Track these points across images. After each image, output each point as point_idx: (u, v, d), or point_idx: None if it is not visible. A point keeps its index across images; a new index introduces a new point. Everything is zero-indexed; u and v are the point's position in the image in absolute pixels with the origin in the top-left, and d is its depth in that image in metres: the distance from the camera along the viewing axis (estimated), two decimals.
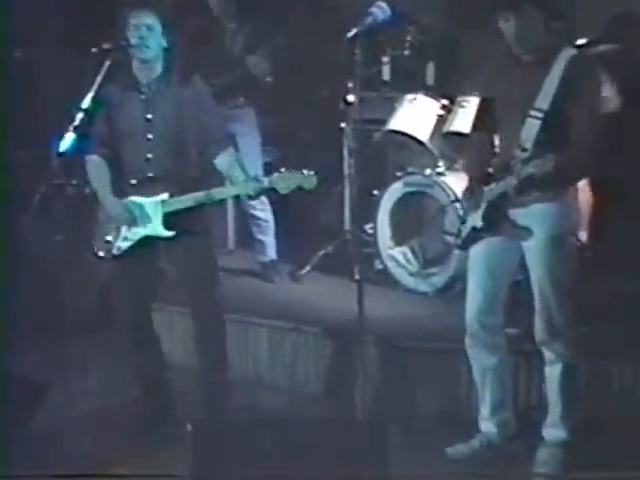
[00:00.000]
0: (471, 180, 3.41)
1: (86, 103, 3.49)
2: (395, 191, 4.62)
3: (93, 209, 3.83)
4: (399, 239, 4.59)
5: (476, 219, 3.30)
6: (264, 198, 4.78)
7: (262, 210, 4.90)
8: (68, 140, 3.48)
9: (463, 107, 4.34)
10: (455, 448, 3.50)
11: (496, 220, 3.27)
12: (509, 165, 3.19)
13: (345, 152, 5.06)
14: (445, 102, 4.51)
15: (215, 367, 3.79)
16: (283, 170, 3.53)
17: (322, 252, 4.95)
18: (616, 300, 4.13)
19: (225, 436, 3.12)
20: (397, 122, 4.58)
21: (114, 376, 4.14)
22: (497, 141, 3.37)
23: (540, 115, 3.12)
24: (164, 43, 3.62)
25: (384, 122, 4.68)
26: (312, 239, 5.11)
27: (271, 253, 5.00)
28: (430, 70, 5.02)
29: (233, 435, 3.11)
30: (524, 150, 3.16)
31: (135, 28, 3.55)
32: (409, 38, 4.91)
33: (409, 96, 4.59)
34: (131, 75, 3.65)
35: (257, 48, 4.77)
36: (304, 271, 4.92)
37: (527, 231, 3.25)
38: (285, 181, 3.51)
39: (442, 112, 4.51)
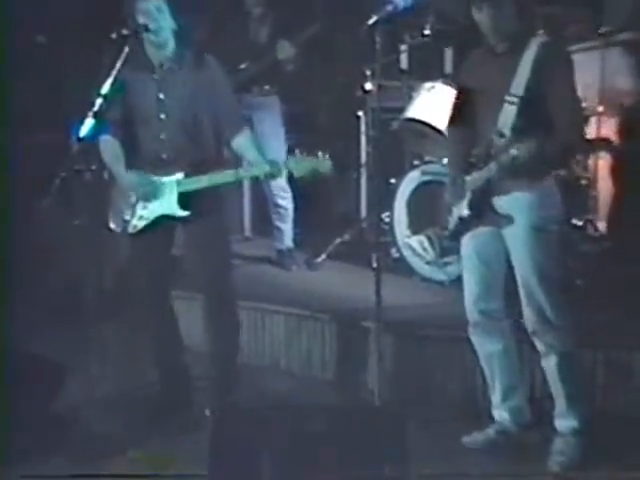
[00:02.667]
0: (454, 170, 3.42)
1: (105, 89, 3.51)
2: (412, 180, 4.61)
3: (110, 193, 3.85)
4: (416, 228, 4.58)
5: (462, 209, 3.30)
6: (286, 186, 4.80)
7: (283, 198, 4.91)
8: (88, 125, 3.50)
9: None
10: (471, 437, 3.51)
11: (481, 209, 3.28)
12: (489, 153, 3.21)
13: (363, 140, 5.07)
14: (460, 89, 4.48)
15: (228, 352, 3.80)
16: (297, 153, 3.53)
17: (339, 240, 4.96)
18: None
19: (241, 422, 3.14)
20: (415, 110, 4.56)
21: (132, 358, 4.16)
22: (477, 130, 3.35)
23: (515, 101, 3.15)
24: (174, 24, 3.60)
25: (402, 110, 4.66)
26: (329, 227, 5.12)
27: (288, 241, 5.01)
28: (448, 58, 5.01)
29: (249, 421, 3.13)
30: (502, 136, 3.18)
31: (144, 11, 3.53)
32: (428, 26, 4.88)
33: (427, 84, 4.57)
34: (144, 56, 3.65)
35: (284, 35, 4.74)
36: (320, 259, 4.93)
37: (509, 219, 3.25)
38: (299, 164, 3.51)
39: (459, 100, 4.48)
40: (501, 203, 3.27)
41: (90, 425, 3.49)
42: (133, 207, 3.66)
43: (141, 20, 3.53)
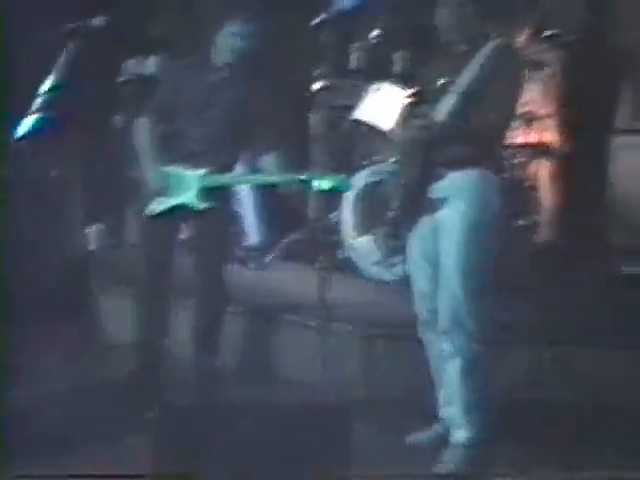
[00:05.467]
0: (395, 169, 3.46)
1: (46, 86, 3.46)
2: (359, 180, 4.63)
3: (57, 192, 3.82)
4: (362, 228, 4.60)
5: (399, 203, 3.31)
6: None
7: (246, 194, 4.91)
8: (28, 123, 3.45)
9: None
10: (414, 436, 3.52)
11: (417, 199, 3.29)
12: None
13: (311, 139, 5.07)
14: (413, 90, 4.51)
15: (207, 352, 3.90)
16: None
17: (286, 240, 4.96)
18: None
19: (184, 421, 3.13)
20: (361, 111, 4.58)
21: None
22: None
23: (458, 90, 3.18)
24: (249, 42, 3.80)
25: (351, 110, 4.68)
26: (279, 227, 5.11)
27: (253, 238, 5.01)
28: (398, 58, 5.03)
29: (192, 420, 3.12)
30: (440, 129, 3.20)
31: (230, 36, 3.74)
32: (378, 26, 4.91)
33: (374, 85, 4.60)
34: (206, 55, 3.80)
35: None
36: (268, 259, 4.92)
37: (441, 201, 3.27)
38: (322, 182, 3.68)
39: (408, 101, 4.51)
40: (435, 189, 3.28)
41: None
42: (151, 196, 3.80)
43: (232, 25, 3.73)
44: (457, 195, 3.26)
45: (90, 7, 3.67)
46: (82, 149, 4.40)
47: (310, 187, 3.71)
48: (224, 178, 3.78)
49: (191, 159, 3.77)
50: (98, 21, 3.61)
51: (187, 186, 3.76)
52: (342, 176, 3.70)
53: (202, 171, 3.75)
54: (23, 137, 3.53)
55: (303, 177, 3.72)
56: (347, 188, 3.78)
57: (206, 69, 3.82)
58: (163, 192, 3.77)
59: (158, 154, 3.78)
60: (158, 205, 3.78)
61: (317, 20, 3.61)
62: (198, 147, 3.78)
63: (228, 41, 3.76)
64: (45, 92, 3.54)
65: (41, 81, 3.52)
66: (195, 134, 3.78)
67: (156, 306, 3.87)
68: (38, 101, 3.48)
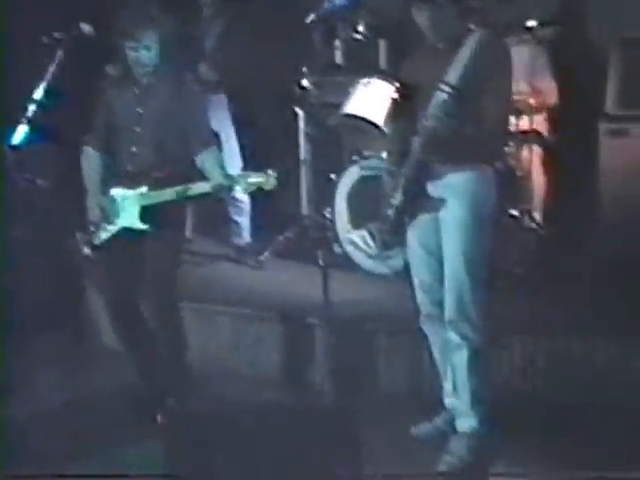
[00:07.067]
0: (392, 163, 3.46)
1: (38, 94, 3.46)
2: (352, 175, 4.65)
3: (45, 202, 3.81)
4: (357, 222, 4.61)
5: (397, 199, 3.32)
6: None
7: (239, 191, 4.90)
8: (21, 132, 3.44)
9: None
10: (419, 427, 3.55)
11: (416, 195, 3.29)
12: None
13: (301, 137, 5.08)
14: (403, 86, 4.54)
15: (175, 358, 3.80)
16: (247, 171, 3.58)
17: (281, 238, 4.97)
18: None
19: (193, 425, 3.14)
20: (352, 106, 4.57)
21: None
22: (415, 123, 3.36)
23: (447, 89, 3.18)
24: (158, 41, 3.64)
25: (339, 106, 4.68)
26: (273, 224, 5.12)
27: (247, 235, 5.02)
28: (384, 54, 5.05)
29: (201, 424, 3.13)
30: (429, 119, 3.19)
31: (131, 49, 3.58)
32: (362, 22, 4.92)
33: (364, 80, 4.59)
34: (126, 67, 3.68)
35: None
36: (263, 257, 4.93)
37: (442, 202, 3.29)
38: (247, 181, 3.58)
39: (396, 95, 4.53)
40: (435, 187, 3.30)
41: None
42: (98, 223, 3.71)
43: (128, 40, 3.57)
44: (455, 192, 3.28)
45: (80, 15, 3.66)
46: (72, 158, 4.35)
47: (245, 187, 3.63)
48: (163, 194, 3.63)
49: (130, 178, 3.68)
50: (87, 29, 3.60)
51: (129, 207, 3.66)
52: (271, 174, 3.58)
53: (142, 190, 3.65)
54: (16, 146, 3.53)
55: (229, 181, 3.61)
56: (272, 185, 3.59)
57: (126, 84, 3.71)
58: (107, 218, 3.69)
59: (100, 179, 3.72)
60: (104, 232, 3.71)
61: (312, 17, 3.60)
62: (136, 165, 3.68)
63: (134, 54, 3.61)
64: (37, 100, 3.53)
65: (32, 89, 3.52)
66: (132, 151, 3.69)
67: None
68: (30, 110, 3.47)
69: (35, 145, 3.69)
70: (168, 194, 3.63)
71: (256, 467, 3.02)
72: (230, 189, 3.67)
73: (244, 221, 5.02)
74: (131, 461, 3.32)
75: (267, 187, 3.58)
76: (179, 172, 3.70)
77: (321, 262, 3.68)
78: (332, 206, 4.68)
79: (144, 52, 3.61)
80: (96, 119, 3.73)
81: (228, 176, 3.66)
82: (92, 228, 3.71)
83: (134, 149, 3.68)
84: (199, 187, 3.68)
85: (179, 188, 3.62)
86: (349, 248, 4.60)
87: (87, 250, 3.74)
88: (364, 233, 4.57)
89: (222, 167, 3.71)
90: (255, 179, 3.57)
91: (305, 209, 5.11)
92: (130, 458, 3.36)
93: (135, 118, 3.67)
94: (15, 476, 3.17)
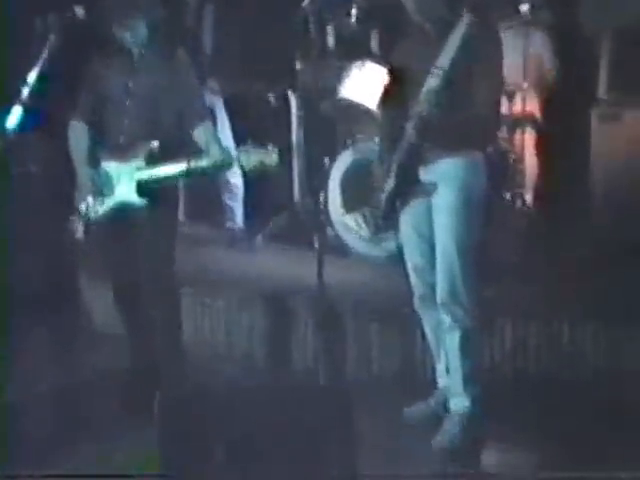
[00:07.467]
0: (385, 147, 3.46)
1: (32, 77, 3.44)
2: (344, 159, 4.66)
3: (39, 187, 3.80)
4: (350, 206, 4.63)
5: (390, 184, 3.33)
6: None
7: (234, 176, 4.90)
8: (15, 116, 3.43)
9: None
10: (412, 408, 3.57)
11: (408, 180, 3.31)
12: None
13: (293, 120, 5.09)
14: (394, 70, 4.54)
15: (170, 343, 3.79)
16: (248, 145, 3.53)
17: (274, 221, 4.99)
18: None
19: (188, 407, 3.15)
20: (346, 90, 4.60)
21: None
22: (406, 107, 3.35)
23: (439, 73, 3.19)
24: (149, 14, 3.61)
25: (331, 90, 4.70)
26: (267, 209, 5.14)
27: (240, 220, 5.02)
28: (376, 38, 5.05)
29: (196, 405, 3.15)
30: (421, 103, 3.20)
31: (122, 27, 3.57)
32: (355, 6, 4.92)
33: (357, 63, 4.61)
34: (116, 43, 3.65)
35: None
36: (256, 241, 4.95)
37: (434, 186, 3.29)
38: (250, 157, 3.50)
39: (389, 80, 4.55)
40: (427, 173, 3.31)
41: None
42: (92, 198, 3.66)
43: (119, 19, 3.55)
44: (447, 177, 3.29)
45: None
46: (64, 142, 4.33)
47: (246, 162, 3.48)
48: (161, 169, 3.56)
49: (122, 151, 3.62)
50: (81, 13, 3.59)
51: (124, 181, 3.60)
52: (272, 149, 3.46)
53: (137, 163, 3.59)
54: (9, 130, 3.51)
55: (231, 156, 3.54)
56: (274, 161, 3.47)
57: (115, 57, 3.67)
58: (101, 192, 3.63)
59: (89, 152, 3.66)
60: (100, 207, 3.65)
61: (306, 1, 3.59)
62: (128, 138, 3.63)
63: (124, 32, 3.57)
64: (30, 84, 3.52)
65: (26, 73, 3.50)
66: (124, 123, 3.64)
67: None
68: (23, 93, 3.46)
69: (28, 130, 3.68)
70: (167, 169, 3.57)
71: (250, 448, 3.05)
72: (230, 165, 3.62)
73: (237, 205, 5.03)
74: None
75: (268, 162, 3.49)
76: (173, 146, 3.65)
77: (314, 246, 3.68)
78: (325, 190, 4.70)
79: (133, 32, 3.59)
80: (83, 92, 3.69)
81: (228, 151, 3.62)
82: (84, 205, 3.65)
83: (125, 121, 3.64)
84: (199, 162, 3.62)
85: (179, 163, 3.57)
86: (342, 232, 4.64)
87: (81, 232, 3.70)
88: (357, 217, 4.61)
89: (219, 142, 3.68)
90: (256, 154, 3.49)
91: (298, 193, 5.12)
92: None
93: (125, 91, 3.64)
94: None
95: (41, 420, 3.56)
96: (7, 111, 3.44)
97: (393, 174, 3.32)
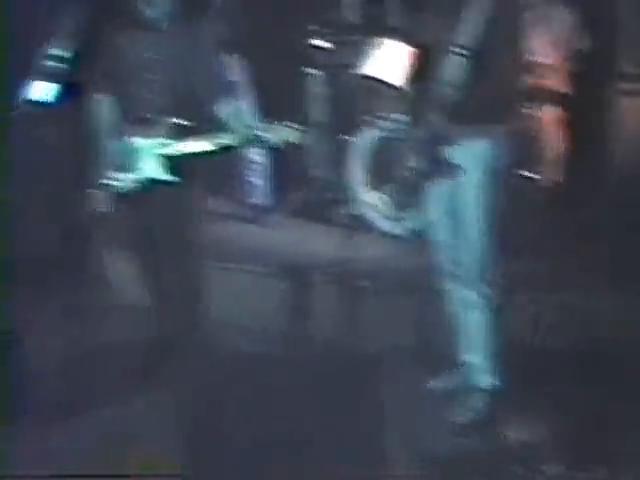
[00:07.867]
0: (406, 126, 3.47)
1: (55, 51, 3.45)
2: (367, 136, 4.65)
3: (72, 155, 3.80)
4: (374, 184, 4.63)
5: (413, 161, 3.32)
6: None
7: (258, 154, 4.90)
8: (39, 88, 3.43)
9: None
10: (436, 382, 3.59)
11: (433, 160, 3.31)
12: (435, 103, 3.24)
13: (316, 98, 5.07)
14: (417, 47, 4.52)
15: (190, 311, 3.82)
16: (272, 121, 3.52)
17: (295, 197, 4.98)
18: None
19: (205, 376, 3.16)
20: (370, 67, 4.58)
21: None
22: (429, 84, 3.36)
23: (460, 51, 3.18)
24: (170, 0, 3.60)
25: (353, 67, 4.68)
26: (288, 185, 5.13)
27: (263, 196, 5.02)
28: (398, 14, 5.01)
29: (214, 375, 3.15)
30: (445, 84, 3.20)
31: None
32: None
33: (379, 40, 4.59)
34: (138, 13, 3.63)
35: None
36: (276, 216, 4.95)
37: (459, 168, 3.30)
38: (273, 133, 3.52)
39: (411, 56, 4.52)
40: (451, 151, 3.31)
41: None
42: (118, 170, 3.66)
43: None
44: (470, 154, 3.29)
45: None
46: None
47: (272, 137, 3.49)
48: (187, 145, 3.57)
49: (146, 126, 3.61)
50: None
51: (149, 156, 3.60)
52: (297, 126, 3.48)
53: (161, 139, 3.60)
54: (29, 103, 3.51)
55: (256, 132, 3.52)
56: (298, 138, 3.48)
57: (138, 30, 3.63)
58: (126, 166, 3.63)
59: (112, 125, 3.66)
60: (124, 183, 3.64)
61: None
62: (152, 112, 3.60)
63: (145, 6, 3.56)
64: (51, 58, 3.52)
65: (45, 46, 3.50)
66: (145, 99, 3.62)
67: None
68: (44, 67, 3.46)
69: (53, 103, 3.68)
70: (191, 144, 3.58)
71: (266, 418, 3.06)
72: (254, 141, 3.60)
73: (258, 181, 5.02)
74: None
75: (292, 139, 3.50)
76: (197, 121, 3.64)
77: (336, 222, 3.68)
78: (347, 167, 4.69)
79: (158, 6, 3.57)
80: (106, 66, 3.67)
81: (251, 127, 3.61)
82: (108, 179, 3.65)
83: (149, 96, 3.63)
84: (223, 138, 3.62)
85: (203, 138, 3.57)
86: (365, 208, 4.64)
87: (105, 205, 3.70)
88: (380, 194, 4.63)
89: (243, 118, 3.68)
90: (280, 131, 3.50)
91: (320, 170, 5.11)
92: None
93: (149, 66, 3.62)
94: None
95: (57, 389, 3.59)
96: (29, 84, 3.44)
97: (416, 151, 3.32)
